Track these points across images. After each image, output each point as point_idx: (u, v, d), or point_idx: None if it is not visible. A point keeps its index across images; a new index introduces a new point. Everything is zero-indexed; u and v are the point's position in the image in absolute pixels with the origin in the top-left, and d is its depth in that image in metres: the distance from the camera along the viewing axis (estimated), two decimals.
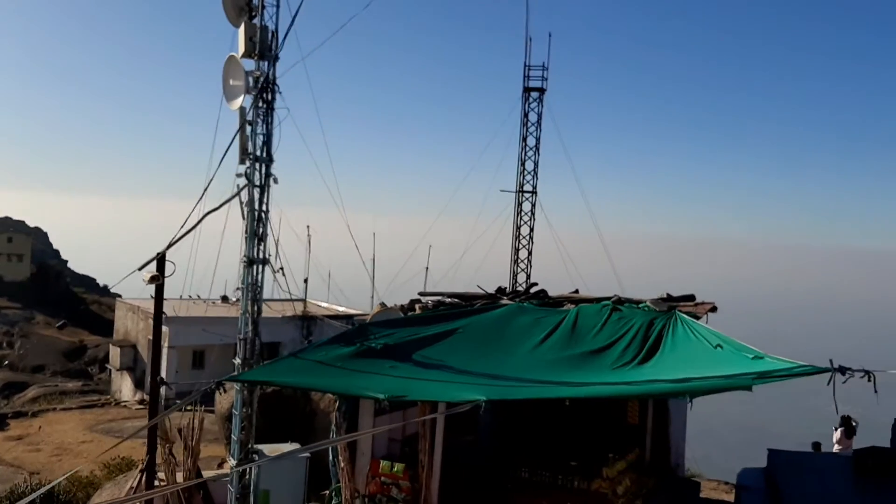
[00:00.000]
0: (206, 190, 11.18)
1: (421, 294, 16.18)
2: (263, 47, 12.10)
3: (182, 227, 10.80)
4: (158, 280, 11.22)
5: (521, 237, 30.44)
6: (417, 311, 14.44)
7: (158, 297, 11.78)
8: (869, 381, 8.51)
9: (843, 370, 8.43)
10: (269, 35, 12.20)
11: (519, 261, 30.42)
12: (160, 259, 11.33)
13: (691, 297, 16.24)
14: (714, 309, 15.73)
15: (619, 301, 14.45)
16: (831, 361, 8.57)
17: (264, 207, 12.15)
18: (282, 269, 12.50)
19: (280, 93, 12.31)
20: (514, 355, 11.85)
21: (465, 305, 14.71)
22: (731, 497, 15.70)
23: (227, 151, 11.26)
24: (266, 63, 12.16)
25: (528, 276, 29.52)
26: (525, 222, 30.50)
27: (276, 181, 12.38)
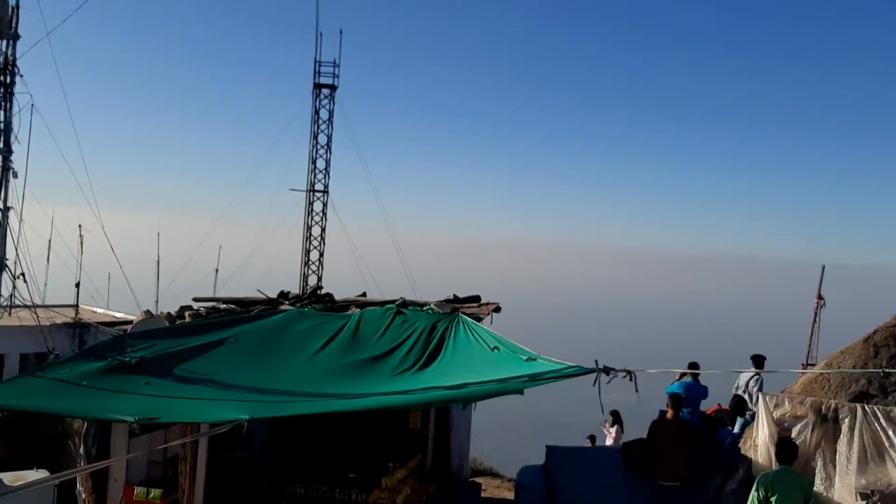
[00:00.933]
0: None
1: (194, 300, 15.02)
2: (2, 24, 10.64)
3: None
4: None
5: (312, 238, 29.65)
6: (187, 319, 13.34)
7: None
8: (630, 380, 8.77)
9: (607, 370, 8.64)
10: (10, 11, 10.75)
11: (310, 262, 29.56)
12: None
13: (476, 298, 16.35)
14: (498, 309, 15.90)
15: (404, 304, 14.17)
16: (596, 362, 8.75)
17: (1, 205, 10.72)
18: (23, 274, 11.09)
19: (21, 76, 10.91)
20: (289, 365, 11.15)
21: (241, 312, 13.80)
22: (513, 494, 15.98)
23: None
24: (4, 42, 10.70)
25: (320, 279, 28.79)
26: (316, 222, 29.76)
27: (15, 175, 10.97)
